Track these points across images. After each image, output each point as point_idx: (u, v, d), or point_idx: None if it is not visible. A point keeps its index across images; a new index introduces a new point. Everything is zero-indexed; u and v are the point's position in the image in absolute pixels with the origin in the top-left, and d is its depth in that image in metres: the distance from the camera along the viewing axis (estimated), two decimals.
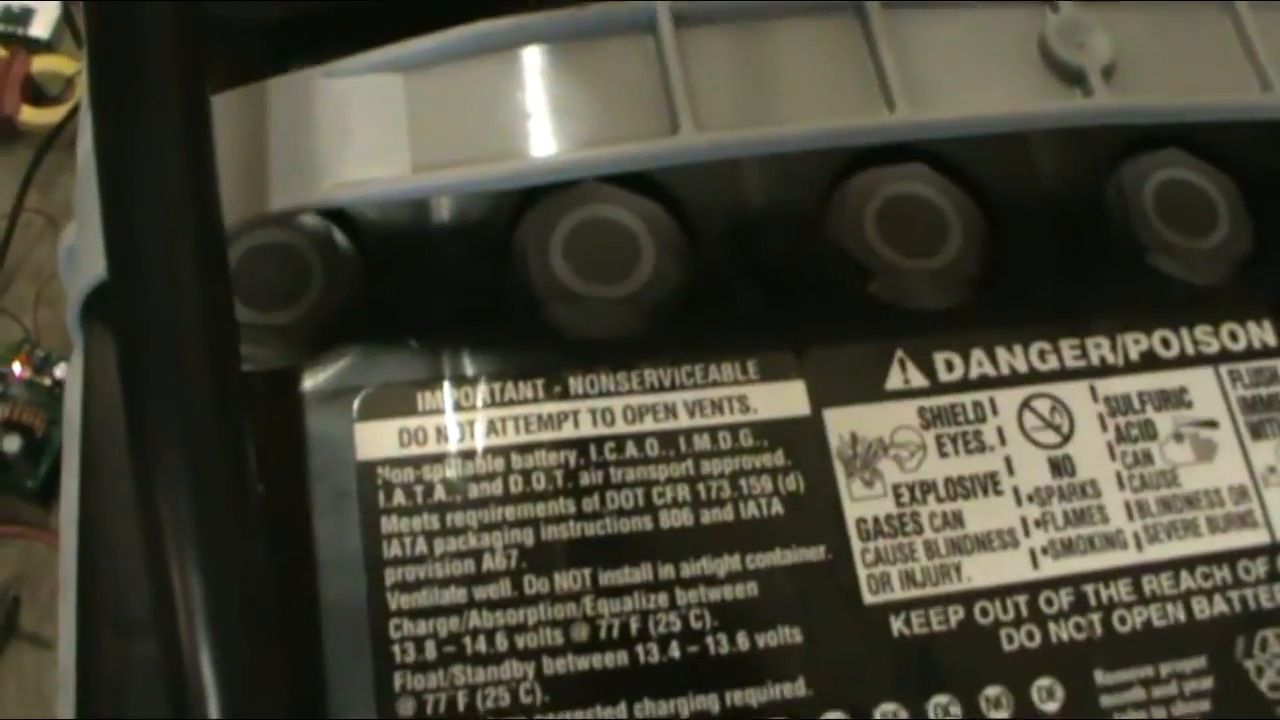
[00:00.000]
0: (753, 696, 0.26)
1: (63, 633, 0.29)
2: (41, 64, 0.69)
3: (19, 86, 0.68)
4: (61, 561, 0.30)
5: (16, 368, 0.63)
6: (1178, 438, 0.29)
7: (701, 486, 0.27)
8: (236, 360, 0.23)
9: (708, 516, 0.27)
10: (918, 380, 0.28)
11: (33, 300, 0.66)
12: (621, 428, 0.27)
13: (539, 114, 0.26)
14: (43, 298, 0.66)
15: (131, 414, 0.23)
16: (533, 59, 0.26)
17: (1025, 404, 0.29)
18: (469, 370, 0.28)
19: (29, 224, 0.67)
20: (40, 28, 0.70)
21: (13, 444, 0.62)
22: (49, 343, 0.65)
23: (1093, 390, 0.29)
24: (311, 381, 0.27)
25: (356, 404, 0.27)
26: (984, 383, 0.29)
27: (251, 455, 0.23)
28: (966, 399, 0.28)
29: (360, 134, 0.26)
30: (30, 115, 0.68)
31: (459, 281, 0.29)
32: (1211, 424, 0.29)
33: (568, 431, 0.27)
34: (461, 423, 0.27)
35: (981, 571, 0.27)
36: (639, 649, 0.26)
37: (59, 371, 0.63)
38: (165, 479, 0.22)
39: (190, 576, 0.22)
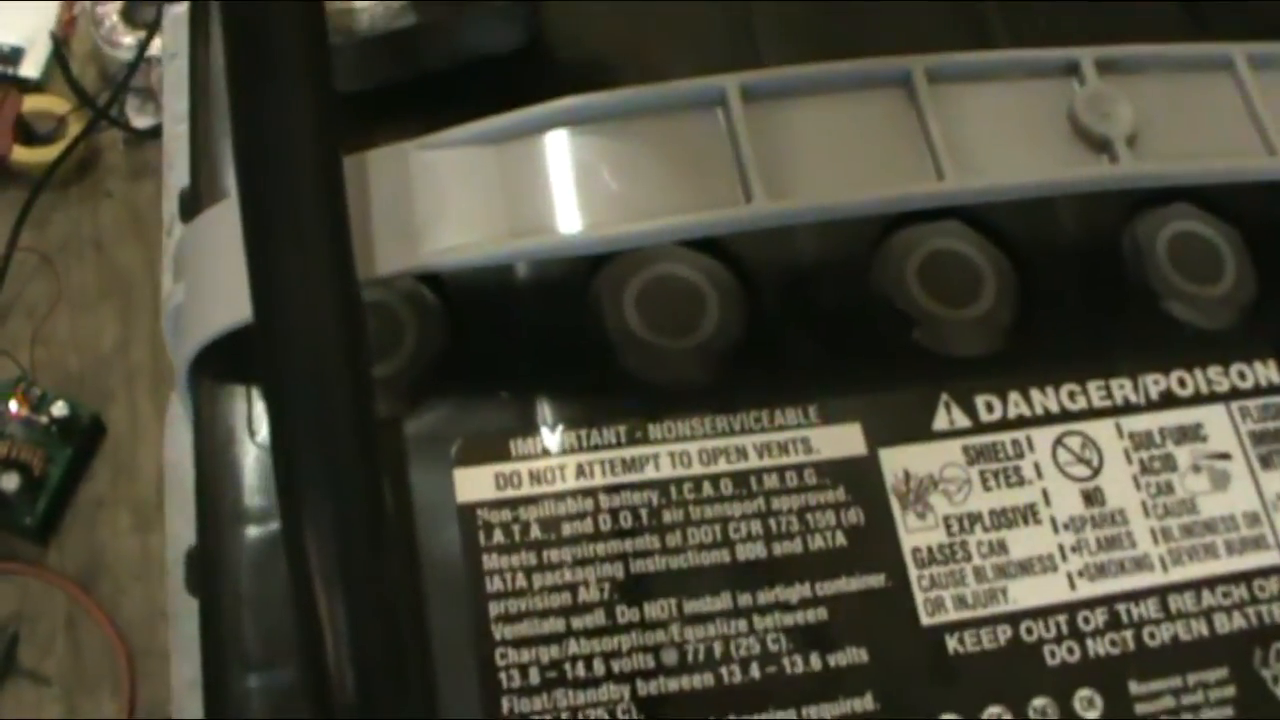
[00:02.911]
0: (826, 711, 0.28)
1: (174, 674, 0.31)
2: (32, 103, 0.70)
3: (10, 126, 0.69)
4: (169, 605, 0.32)
5: (13, 406, 0.64)
6: (1195, 469, 0.32)
7: (772, 521, 0.30)
8: (373, 403, 0.25)
9: (779, 549, 0.29)
10: (961, 421, 0.31)
11: (28, 338, 0.67)
12: (698, 469, 0.30)
13: (623, 182, 0.29)
14: (38, 336, 0.67)
15: (280, 453, 0.25)
16: (614, 132, 0.29)
17: (1058, 441, 0.31)
18: (556, 418, 0.30)
19: (23, 262, 0.68)
20: (31, 67, 0.70)
21: (11, 482, 0.62)
22: (45, 381, 0.65)
23: (1118, 427, 0.32)
24: (411, 430, 0.30)
25: (454, 450, 0.29)
26: (1021, 422, 0.31)
27: (387, 495, 0.25)
28: (1006, 437, 0.31)
29: (457, 202, 0.29)
30: (22, 154, 0.69)
31: (540, 334, 0.31)
32: (1225, 456, 0.32)
33: (649, 473, 0.30)
34: (552, 466, 0.29)
35: (1025, 593, 0.30)
36: (723, 670, 0.28)
37: (56, 410, 0.64)
38: (317, 517, 0.24)
39: (337, 609, 0.24)
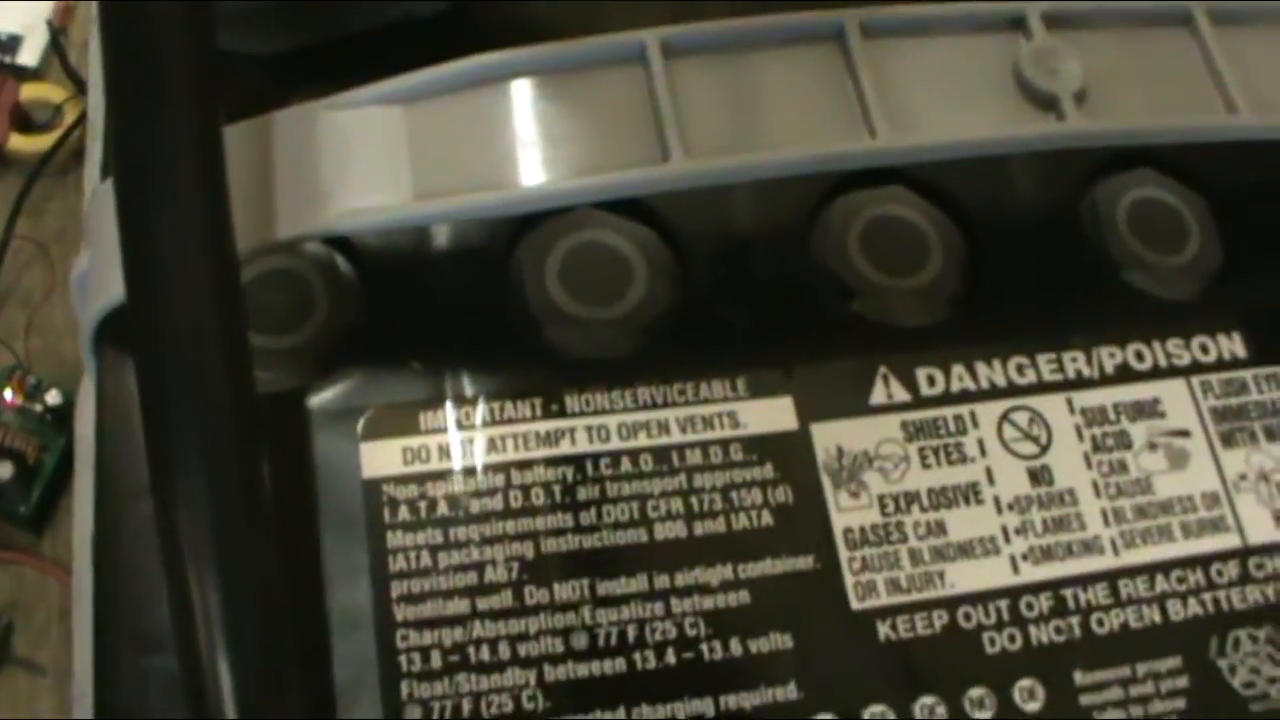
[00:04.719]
0: (746, 700, 0.27)
1: (77, 649, 0.30)
2: (30, 91, 0.69)
3: (7, 114, 0.68)
4: (75, 581, 0.30)
5: (8, 394, 0.63)
6: (1151, 447, 0.30)
7: (694, 499, 0.28)
8: (251, 379, 0.24)
9: (700, 528, 0.28)
10: (900, 395, 0.30)
11: (23, 327, 0.66)
12: (616, 444, 0.28)
13: (535, 143, 0.27)
14: (33, 324, 0.66)
15: (151, 431, 0.24)
16: (528, 90, 0.27)
17: (1004, 416, 0.30)
18: (469, 390, 0.29)
19: (19, 251, 0.67)
20: (28, 55, 0.70)
21: (4, 470, 0.61)
22: (40, 369, 0.65)
23: (1069, 402, 0.30)
24: (317, 402, 0.28)
25: (361, 424, 0.28)
26: (964, 396, 0.30)
27: (266, 471, 0.24)
28: (948, 412, 0.30)
29: (363, 163, 0.27)
30: (18, 143, 0.68)
31: (458, 304, 0.30)
32: (1184, 433, 0.30)
33: (565, 448, 0.28)
34: (462, 441, 0.28)
35: (964, 577, 0.28)
36: (636, 656, 0.27)
37: (50, 398, 0.63)
38: (186, 493, 0.23)
39: (209, 588, 0.23)
